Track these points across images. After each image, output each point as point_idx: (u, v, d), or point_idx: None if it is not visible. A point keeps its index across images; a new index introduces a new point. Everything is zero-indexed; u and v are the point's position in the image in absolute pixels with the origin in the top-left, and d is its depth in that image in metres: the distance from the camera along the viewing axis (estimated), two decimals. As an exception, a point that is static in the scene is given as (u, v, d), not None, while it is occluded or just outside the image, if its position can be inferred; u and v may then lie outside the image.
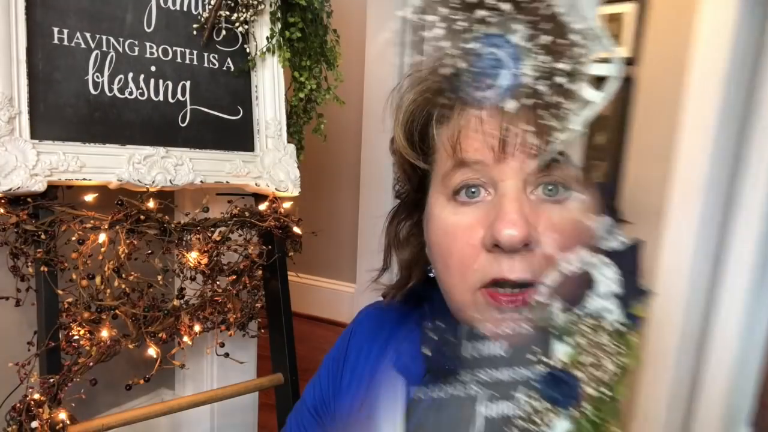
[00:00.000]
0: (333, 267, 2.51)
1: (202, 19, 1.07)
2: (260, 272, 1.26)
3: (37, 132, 0.90)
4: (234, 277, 1.21)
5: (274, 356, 1.28)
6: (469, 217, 0.48)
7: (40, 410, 0.94)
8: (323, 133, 1.28)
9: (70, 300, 0.96)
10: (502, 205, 0.45)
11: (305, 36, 1.16)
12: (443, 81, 0.47)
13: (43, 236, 0.92)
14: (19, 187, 0.86)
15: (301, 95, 1.21)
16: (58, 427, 0.95)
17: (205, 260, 1.11)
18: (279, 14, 1.14)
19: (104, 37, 0.97)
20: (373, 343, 0.64)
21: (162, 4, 1.04)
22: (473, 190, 0.48)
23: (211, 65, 1.10)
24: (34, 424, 0.93)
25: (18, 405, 0.93)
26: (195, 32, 1.07)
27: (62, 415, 0.96)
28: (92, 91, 0.96)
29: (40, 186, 0.89)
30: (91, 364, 1.00)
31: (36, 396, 0.94)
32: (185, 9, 1.07)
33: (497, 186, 0.46)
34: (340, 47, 1.24)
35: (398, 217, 0.60)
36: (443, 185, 0.50)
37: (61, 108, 0.93)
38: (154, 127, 1.02)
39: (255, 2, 1.08)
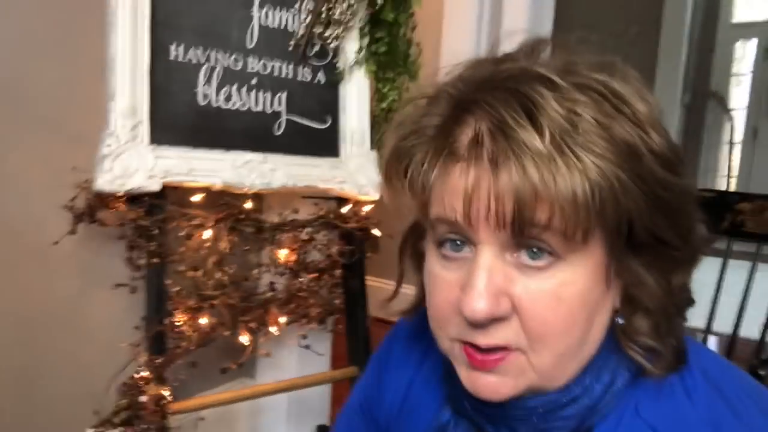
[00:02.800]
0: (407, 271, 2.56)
1: (298, 35, 1.16)
2: (340, 271, 1.34)
3: (155, 138, 1.01)
4: (317, 274, 1.29)
5: (351, 350, 1.35)
6: (451, 275, 0.46)
7: (148, 387, 1.05)
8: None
9: (176, 289, 1.07)
10: (471, 274, 0.43)
11: (390, 50, 1.23)
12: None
13: (155, 231, 1.03)
14: (139, 187, 0.98)
15: (384, 105, 1.28)
16: (162, 402, 1.05)
17: (293, 257, 1.19)
18: (367, 29, 1.22)
19: (212, 53, 1.08)
20: (410, 355, 0.64)
21: (263, 22, 1.13)
22: (457, 242, 0.45)
23: (304, 78, 1.19)
24: (143, 398, 1.04)
25: (129, 381, 1.05)
26: (291, 47, 1.16)
27: (165, 393, 1.06)
28: (201, 102, 1.07)
29: (156, 186, 1.00)
30: (192, 347, 1.10)
31: (145, 374, 1.05)
32: (283, 26, 1.16)
33: (476, 247, 0.44)
34: (422, 59, 1.30)
35: (414, 236, 0.57)
36: (431, 231, 0.47)
37: (175, 117, 1.04)
38: (253, 134, 1.12)
39: (346, 18, 1.16)
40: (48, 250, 1.04)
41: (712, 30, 5.81)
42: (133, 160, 0.97)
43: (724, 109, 5.75)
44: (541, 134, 0.39)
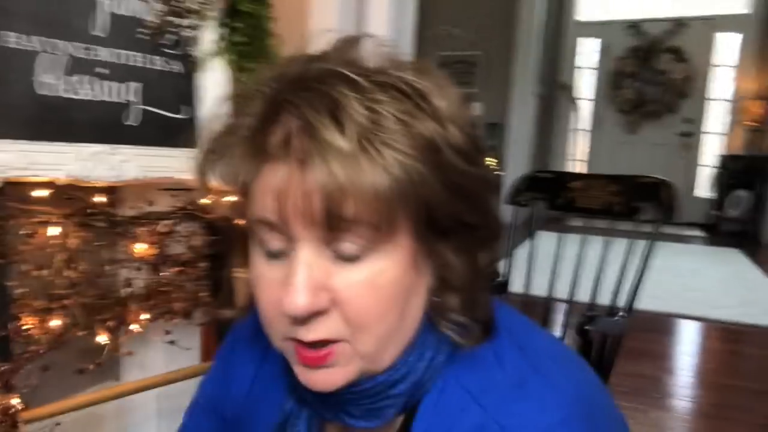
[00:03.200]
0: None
1: (150, 23, 1.13)
2: (204, 263, 1.33)
3: (-13, 131, 0.94)
4: (179, 267, 1.28)
5: (219, 342, 1.35)
6: (273, 273, 0.47)
7: (-6, 396, 0.99)
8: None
9: (20, 291, 1.01)
10: (290, 271, 0.45)
11: (249, 40, 1.24)
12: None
13: (-7, 230, 0.96)
14: (-30, 184, 0.91)
15: (235, 93, 1.28)
16: (10, 412, 1.00)
17: (151, 251, 1.17)
18: (224, 19, 1.21)
19: (53, 41, 1.02)
20: (253, 349, 0.65)
21: (112, 9, 1.09)
22: (275, 252, 0.47)
23: (158, 67, 1.16)
24: (-12, 409, 0.98)
25: (-28, 391, 0.98)
26: (143, 36, 1.13)
27: (14, 401, 1.01)
28: (41, 92, 1.01)
29: (-10, 183, 0.93)
30: (42, 351, 1.05)
31: (-12, 383, 0.99)
32: (133, 14, 1.12)
33: (295, 247, 0.45)
34: (282, 50, 1.32)
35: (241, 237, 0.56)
36: (251, 233, 0.48)
37: (11, 108, 0.97)
38: (101, 125, 1.08)
39: (201, 8, 1.15)
40: None
41: (559, 28, 6.37)
42: (-39, 155, 0.90)
43: (572, 100, 6.34)
44: (343, 133, 0.42)
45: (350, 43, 0.50)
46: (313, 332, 0.46)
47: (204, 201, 1.27)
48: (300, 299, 0.44)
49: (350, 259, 0.45)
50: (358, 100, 0.43)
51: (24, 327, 1.03)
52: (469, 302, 0.51)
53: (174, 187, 1.27)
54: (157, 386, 1.27)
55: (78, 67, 1.05)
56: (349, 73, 0.44)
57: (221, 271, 1.33)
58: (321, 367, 0.48)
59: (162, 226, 1.21)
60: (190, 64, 1.22)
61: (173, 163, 1.19)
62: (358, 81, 0.44)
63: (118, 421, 1.44)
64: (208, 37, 1.23)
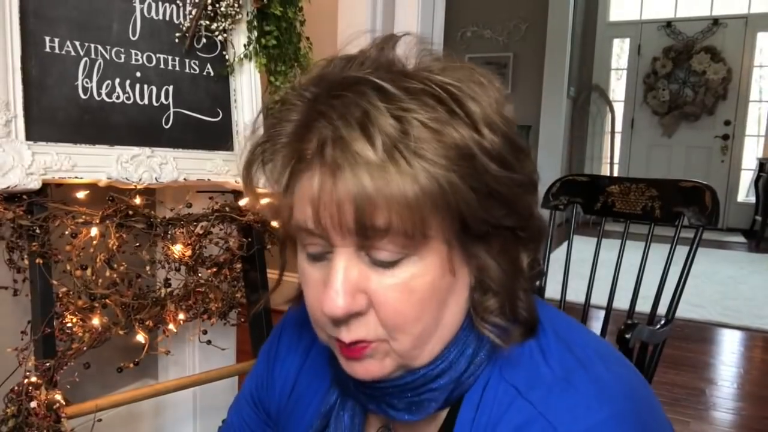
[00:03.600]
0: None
1: (184, 28, 1.16)
2: (240, 265, 1.34)
3: (32, 134, 0.97)
4: (215, 269, 1.29)
5: (254, 343, 1.36)
6: (317, 273, 0.49)
7: (38, 392, 1.01)
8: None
9: (64, 290, 1.03)
10: (329, 274, 0.47)
11: (280, 43, 1.25)
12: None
13: (37, 231, 0.99)
14: (16, 185, 0.94)
15: (277, 98, 1.29)
16: (54, 407, 1.02)
17: (188, 252, 1.19)
18: (255, 23, 1.23)
19: (92, 45, 1.05)
20: (299, 341, 0.68)
21: (146, 14, 1.11)
22: (318, 245, 0.48)
23: (192, 71, 1.18)
24: (33, 404, 1.00)
25: (17, 387, 1.00)
26: (177, 40, 1.15)
27: (58, 397, 1.03)
28: (82, 96, 1.04)
29: (35, 184, 0.96)
30: (84, 348, 1.07)
31: (33, 379, 1.01)
32: (168, 18, 1.15)
33: (334, 251, 0.47)
34: (312, 53, 1.33)
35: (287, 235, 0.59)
36: (296, 235, 0.51)
37: (53, 111, 1.00)
38: (140, 128, 1.10)
39: (233, 12, 1.17)
40: None
41: (591, 28, 6.27)
42: (8, 157, 0.93)
43: (606, 102, 6.23)
44: (372, 145, 0.42)
45: (388, 43, 0.50)
46: (352, 333, 0.48)
47: (240, 203, 1.29)
48: (338, 302, 0.46)
49: (385, 264, 0.46)
50: (388, 109, 0.43)
51: (67, 325, 1.05)
52: (508, 303, 0.51)
53: (210, 189, 1.29)
54: (194, 385, 1.28)
55: (117, 71, 1.08)
56: (380, 81, 0.45)
57: (256, 272, 1.34)
58: (359, 360, 0.50)
59: (199, 228, 1.22)
60: (225, 68, 1.24)
61: (209, 166, 1.21)
62: (388, 89, 0.44)
63: (155, 419, 1.46)
64: (240, 40, 1.25)
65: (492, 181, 0.46)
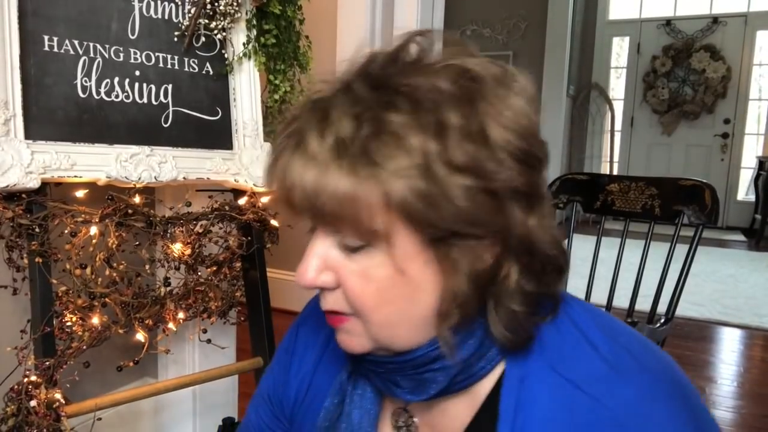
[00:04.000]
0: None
1: (183, 26, 1.15)
2: (240, 263, 1.34)
3: (31, 133, 0.97)
4: (215, 267, 1.29)
5: (254, 342, 1.36)
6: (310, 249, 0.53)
7: (37, 391, 1.01)
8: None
9: (63, 289, 1.03)
10: (307, 251, 0.52)
11: (279, 42, 1.25)
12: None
13: (37, 229, 0.99)
14: (15, 184, 0.94)
15: (276, 97, 1.30)
16: (54, 406, 1.02)
17: (188, 251, 1.19)
18: (254, 22, 1.23)
19: (91, 44, 1.05)
20: (317, 336, 0.69)
21: (144, 12, 1.11)
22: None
23: (191, 69, 1.18)
24: (33, 403, 1.00)
25: (16, 386, 1.00)
26: (176, 39, 1.15)
27: (57, 396, 1.03)
28: (81, 95, 1.03)
29: (34, 183, 0.96)
30: (84, 347, 1.07)
31: (33, 378, 1.01)
32: (167, 17, 1.15)
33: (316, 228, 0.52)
34: (312, 52, 1.33)
35: None
36: None
37: (52, 110, 1.00)
38: (139, 127, 1.10)
39: (232, 11, 1.17)
40: None
41: (591, 27, 6.27)
42: (8, 156, 0.93)
43: (605, 100, 6.23)
44: (322, 140, 0.46)
45: (413, 37, 0.51)
46: (327, 302, 0.53)
47: (240, 202, 1.29)
48: (305, 274, 0.51)
49: (349, 248, 0.50)
50: (350, 111, 0.46)
51: (66, 324, 1.05)
52: (501, 309, 0.51)
53: (210, 188, 1.28)
54: (194, 384, 1.28)
55: (116, 70, 1.08)
56: (354, 85, 0.48)
57: (256, 271, 1.34)
58: (340, 331, 0.54)
59: (198, 227, 1.22)
60: (224, 67, 1.24)
61: (209, 165, 1.21)
62: (359, 94, 0.47)
63: (155, 418, 1.46)
64: (239, 39, 1.25)
65: (456, 191, 0.45)
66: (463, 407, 0.56)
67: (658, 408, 0.48)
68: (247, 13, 1.23)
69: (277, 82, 1.28)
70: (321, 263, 0.51)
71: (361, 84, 0.48)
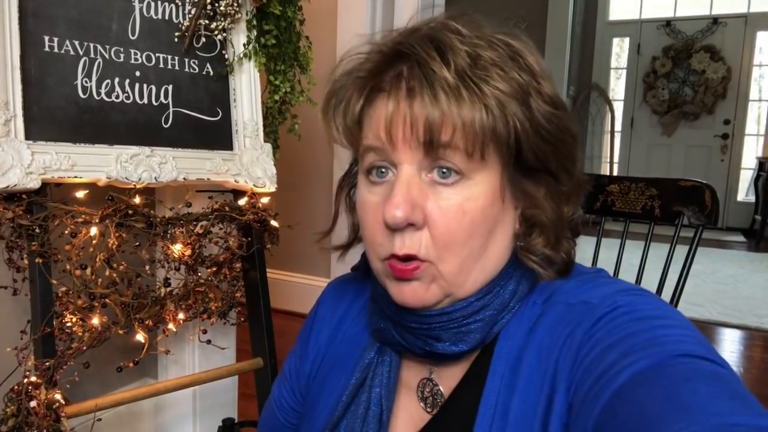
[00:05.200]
0: (308, 263, 2.59)
1: (183, 27, 1.15)
2: (240, 264, 1.34)
3: (31, 133, 0.97)
4: (215, 268, 1.29)
5: (254, 342, 1.36)
6: (377, 197, 0.55)
7: (37, 391, 1.01)
8: (297, 133, 1.37)
9: (63, 289, 1.03)
10: (392, 188, 0.52)
11: (279, 42, 1.25)
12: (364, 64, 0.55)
13: (37, 230, 0.99)
14: (15, 185, 0.94)
15: (276, 97, 1.30)
16: (54, 407, 1.02)
17: (188, 252, 1.19)
18: (254, 22, 1.23)
19: (91, 45, 1.05)
20: (333, 313, 0.72)
21: (145, 13, 1.11)
22: (382, 170, 0.54)
23: (191, 70, 1.18)
24: (33, 403, 1.00)
25: (17, 387, 1.00)
26: (176, 39, 1.15)
27: (57, 396, 1.03)
28: (81, 95, 1.03)
29: (34, 183, 0.96)
30: (84, 348, 1.07)
31: (33, 378, 1.01)
32: (167, 18, 1.15)
33: (397, 168, 0.53)
34: (312, 53, 1.33)
35: (348, 183, 0.66)
36: (361, 163, 0.57)
37: (53, 111, 1.00)
38: (139, 128, 1.10)
39: (232, 11, 1.17)
40: None
41: (591, 27, 6.27)
42: (8, 156, 0.93)
43: (605, 101, 6.23)
44: (448, 66, 0.49)
45: (445, 16, 0.56)
46: (406, 245, 0.52)
47: (239, 202, 1.29)
48: (399, 208, 0.50)
49: (442, 184, 0.52)
50: (462, 42, 0.51)
51: (66, 324, 1.05)
52: (552, 240, 0.56)
53: (210, 189, 1.28)
54: (194, 385, 1.28)
55: (116, 70, 1.08)
56: (454, 25, 0.53)
57: (256, 271, 1.34)
58: (410, 281, 0.54)
59: (198, 227, 1.22)
60: (224, 67, 1.24)
61: (209, 165, 1.21)
62: (462, 30, 0.52)
63: (155, 419, 1.46)
64: (240, 39, 1.25)
65: (542, 117, 0.52)
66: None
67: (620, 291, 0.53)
68: (247, 14, 1.23)
69: (277, 82, 1.28)
70: (410, 198, 0.51)
71: (459, 28, 0.52)
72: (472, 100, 0.49)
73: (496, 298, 0.56)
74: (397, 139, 0.51)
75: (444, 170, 0.51)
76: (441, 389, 0.60)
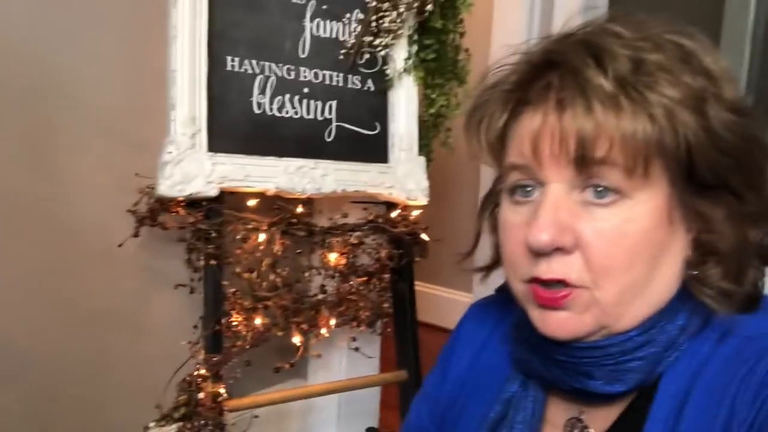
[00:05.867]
0: (447, 276, 2.56)
1: (349, 44, 1.20)
2: (389, 275, 1.35)
3: (213, 146, 1.06)
4: (366, 278, 1.32)
5: (399, 354, 1.37)
6: (520, 216, 0.49)
7: (205, 384, 1.10)
8: (452, 146, 1.35)
9: (232, 290, 1.11)
10: (539, 209, 0.47)
11: (439, 56, 1.25)
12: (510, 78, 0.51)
13: (213, 235, 1.07)
14: (198, 193, 1.03)
15: (433, 111, 1.29)
16: (218, 400, 1.10)
17: (343, 261, 1.22)
18: (416, 37, 1.24)
19: (266, 64, 1.12)
20: (475, 338, 0.67)
21: (315, 32, 1.17)
22: (527, 189, 0.49)
23: (354, 86, 1.22)
24: (201, 395, 1.09)
25: (188, 378, 1.10)
26: (342, 57, 1.20)
27: (222, 390, 1.11)
28: (256, 111, 1.11)
29: (214, 192, 1.04)
30: (247, 347, 1.14)
31: (202, 371, 1.10)
32: (334, 36, 1.20)
33: (544, 187, 0.47)
34: (470, 65, 1.31)
35: (492, 201, 0.61)
36: (504, 181, 0.52)
37: (231, 125, 1.08)
38: (305, 141, 1.16)
39: (395, 27, 1.19)
40: (113, 251, 1.11)
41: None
42: (193, 167, 1.02)
43: (791, 110, 5.45)
44: (605, 73, 0.44)
45: (604, 19, 0.51)
46: (553, 269, 0.47)
47: (392, 215, 1.31)
48: (543, 231, 0.45)
49: (599, 204, 0.46)
50: (623, 46, 0.45)
51: (233, 323, 1.13)
52: (733, 270, 0.48)
53: (364, 200, 1.31)
54: (341, 391, 1.32)
55: (287, 87, 1.15)
56: (613, 25, 0.47)
57: (405, 284, 1.35)
58: (557, 310, 0.48)
59: (353, 238, 1.26)
60: (383, 82, 1.26)
61: (365, 177, 1.24)
62: (623, 32, 0.46)
63: (303, 420, 1.52)
64: (400, 54, 1.26)
65: (724, 130, 0.45)
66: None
67: None
68: (409, 29, 1.24)
69: (434, 96, 1.28)
70: (559, 220, 0.46)
71: (619, 30, 0.47)
72: (634, 110, 0.43)
73: (662, 333, 0.48)
74: (544, 156, 0.46)
75: (599, 189, 0.45)
76: (591, 430, 0.54)
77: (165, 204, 1.04)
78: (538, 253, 0.47)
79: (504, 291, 0.65)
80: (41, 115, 1.04)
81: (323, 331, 1.27)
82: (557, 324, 0.48)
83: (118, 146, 1.14)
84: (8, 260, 1.03)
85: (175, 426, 1.08)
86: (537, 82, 0.47)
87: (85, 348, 1.15)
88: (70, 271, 1.11)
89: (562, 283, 0.47)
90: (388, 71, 1.26)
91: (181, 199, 1.03)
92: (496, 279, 0.65)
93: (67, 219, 1.10)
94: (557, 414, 0.56)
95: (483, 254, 0.64)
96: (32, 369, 1.08)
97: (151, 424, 1.10)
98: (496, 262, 0.61)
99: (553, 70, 0.46)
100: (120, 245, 1.09)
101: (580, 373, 0.50)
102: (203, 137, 1.05)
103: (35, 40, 1.02)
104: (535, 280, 0.48)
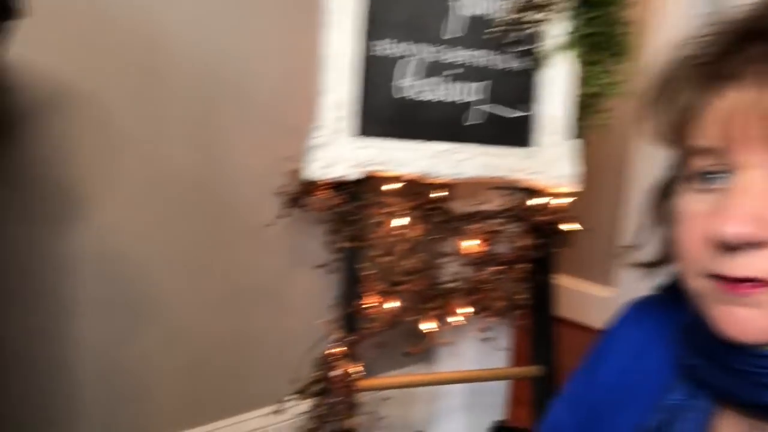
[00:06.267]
0: (584, 266, 2.40)
1: (499, 22, 1.12)
2: (526, 265, 1.28)
3: (359, 130, 1.05)
4: (502, 267, 1.26)
5: (534, 348, 1.30)
6: (701, 206, 0.44)
7: (339, 362, 1.11)
8: (607, 128, 1.23)
9: (369, 273, 1.11)
10: (731, 197, 0.41)
11: (602, 30, 1.13)
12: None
13: (354, 217, 1.07)
14: (343, 176, 1.03)
15: (593, 90, 1.18)
16: (350, 378, 1.11)
17: (480, 248, 1.17)
18: (576, 11, 1.13)
19: (413, 46, 1.08)
20: (632, 341, 0.62)
21: (463, 11, 1.11)
22: (709, 177, 0.44)
23: (503, 65, 1.14)
24: (334, 372, 1.11)
25: (323, 355, 1.12)
26: (491, 35, 1.13)
27: (355, 369, 1.12)
28: (401, 94, 1.08)
29: (357, 175, 1.04)
30: (380, 329, 1.14)
31: (337, 350, 1.11)
32: (483, 14, 1.12)
33: (736, 174, 0.42)
34: (637, 39, 1.18)
35: (664, 190, 0.56)
36: (684, 167, 0.47)
37: (376, 109, 1.06)
38: (446, 124, 1.11)
39: (553, 2, 1.09)
40: (261, 230, 1.15)
41: None
42: (339, 151, 1.02)
43: None
44: None
45: None
46: (741, 266, 0.41)
47: (533, 202, 1.23)
48: (741, 224, 0.40)
49: None
50: None
51: (367, 305, 1.13)
52: None
53: (503, 186, 1.25)
54: (469, 381, 1.29)
55: (429, 70, 1.10)
56: None
57: (544, 275, 1.27)
58: (741, 304, 0.42)
59: (490, 225, 1.20)
60: (532, 62, 1.17)
61: (506, 162, 1.17)
62: None
63: (429, 406, 1.52)
64: (553, 31, 1.16)
65: None
66: None
67: None
68: (567, 3, 1.13)
69: (594, 73, 1.17)
70: (754, 210, 0.41)
71: None
72: None
73: None
74: (738, 138, 0.41)
75: None
76: None
77: (310, 186, 1.06)
78: (727, 247, 0.41)
79: (667, 290, 0.59)
80: (205, 103, 1.10)
81: (455, 318, 1.24)
82: (742, 323, 0.43)
83: (272, 131, 1.17)
84: (172, 235, 1.11)
85: (309, 401, 1.12)
86: (738, 54, 0.42)
87: (231, 320, 1.22)
88: (224, 247, 1.17)
89: (750, 281, 0.41)
90: (540, 49, 1.17)
91: (326, 181, 1.04)
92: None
93: (224, 199, 1.15)
94: (727, 429, 0.50)
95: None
96: (183, 338, 1.17)
97: (287, 398, 1.14)
98: (665, 257, 0.55)
99: (760, 40, 0.41)
100: (269, 225, 1.13)
101: (759, 385, 0.44)
102: (351, 121, 1.04)
103: (200, 32, 1.07)
104: (718, 277, 0.43)
